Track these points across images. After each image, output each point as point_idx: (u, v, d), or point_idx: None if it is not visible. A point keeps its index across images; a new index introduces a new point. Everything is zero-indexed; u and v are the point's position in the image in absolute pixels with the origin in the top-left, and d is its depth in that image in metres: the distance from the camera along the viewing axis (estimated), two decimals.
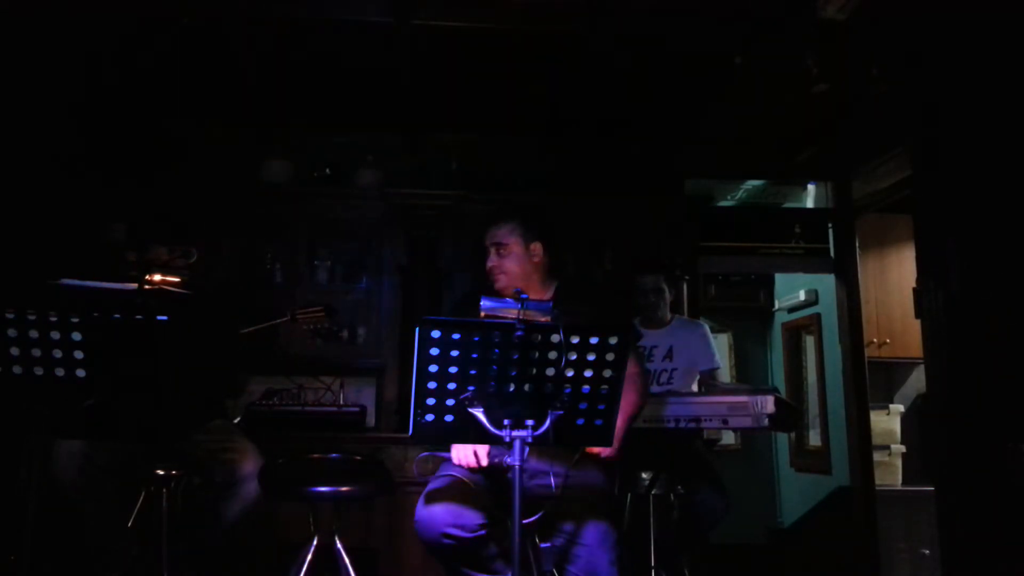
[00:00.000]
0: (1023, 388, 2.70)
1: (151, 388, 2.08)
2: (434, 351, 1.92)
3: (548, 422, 1.98)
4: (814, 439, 5.84)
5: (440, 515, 2.31)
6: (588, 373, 2.00)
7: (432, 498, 2.37)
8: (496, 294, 2.63)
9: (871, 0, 3.35)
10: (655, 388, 3.63)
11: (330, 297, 4.25)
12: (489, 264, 2.67)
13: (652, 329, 3.84)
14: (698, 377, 3.87)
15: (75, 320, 1.94)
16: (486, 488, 2.43)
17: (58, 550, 2.82)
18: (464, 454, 2.45)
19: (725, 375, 6.00)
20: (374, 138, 4.86)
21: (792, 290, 6.01)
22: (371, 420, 4.57)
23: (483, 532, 2.31)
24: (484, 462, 2.42)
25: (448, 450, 2.53)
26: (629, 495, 3.16)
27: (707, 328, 4.00)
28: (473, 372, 1.96)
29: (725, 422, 3.00)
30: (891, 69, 3.52)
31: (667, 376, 3.81)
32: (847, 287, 5.05)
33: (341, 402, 4.44)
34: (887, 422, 5.11)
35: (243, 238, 4.62)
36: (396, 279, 4.62)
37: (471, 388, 1.97)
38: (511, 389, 1.98)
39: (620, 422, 2.39)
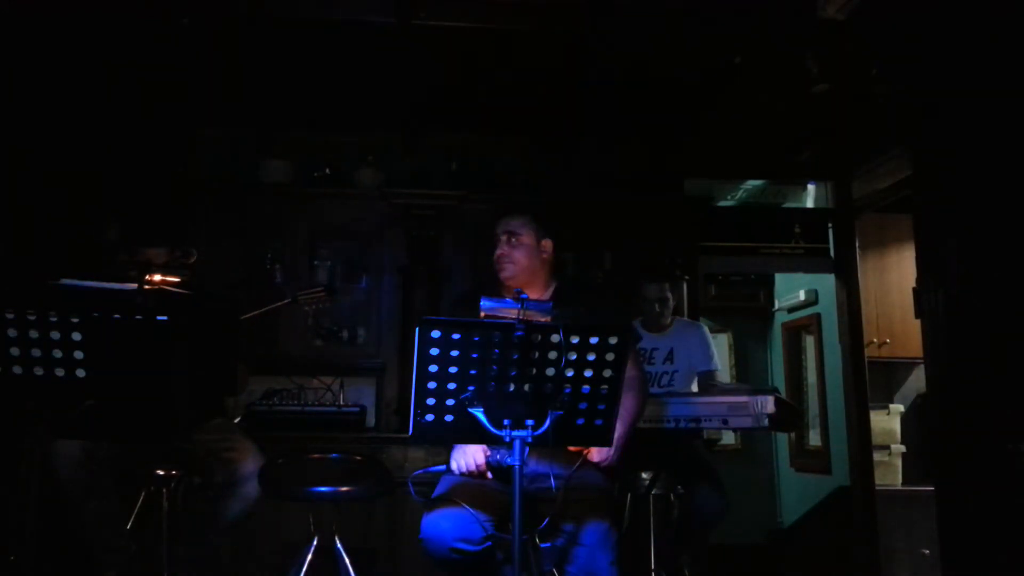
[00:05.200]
0: (1023, 388, 2.70)
1: (151, 388, 2.08)
2: (434, 351, 1.92)
3: (548, 422, 1.98)
4: (814, 439, 5.84)
5: (447, 530, 2.29)
6: (588, 373, 1.99)
7: (436, 513, 2.35)
8: (497, 290, 2.63)
9: (871, 0, 3.35)
10: (655, 390, 3.63)
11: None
12: (499, 252, 2.64)
13: (653, 332, 3.83)
14: (696, 379, 3.86)
15: (75, 320, 1.93)
16: (489, 491, 2.41)
17: (58, 550, 2.83)
18: (464, 463, 2.44)
19: (725, 376, 6.00)
20: (374, 138, 4.87)
21: (792, 290, 6.01)
22: (371, 420, 4.57)
23: (489, 544, 2.31)
24: (485, 470, 2.42)
25: (443, 463, 2.52)
26: (629, 495, 3.16)
27: (706, 330, 3.99)
28: (473, 372, 1.95)
29: (725, 422, 3.00)
30: (891, 69, 3.52)
31: (668, 378, 3.80)
32: (847, 287, 5.05)
33: (341, 402, 4.45)
34: (887, 422, 5.11)
35: (243, 238, 4.62)
36: (396, 279, 4.62)
37: (471, 388, 1.96)
38: (511, 389, 1.98)
39: (621, 429, 2.38)
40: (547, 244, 2.68)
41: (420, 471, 2.52)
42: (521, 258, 2.63)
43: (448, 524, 2.30)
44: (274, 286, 4.53)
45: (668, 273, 4.05)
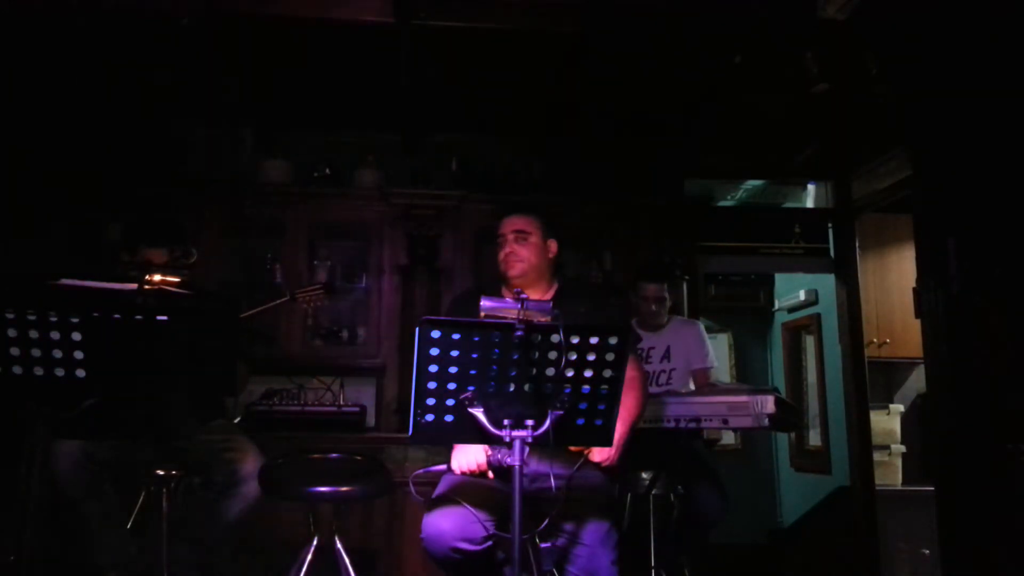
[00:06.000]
0: (1023, 388, 2.70)
1: (151, 388, 2.08)
2: (434, 351, 1.92)
3: (548, 422, 1.98)
4: (814, 439, 5.85)
5: (448, 530, 2.29)
6: (588, 373, 2.00)
7: (437, 513, 2.34)
8: (497, 290, 2.63)
9: (871, 0, 3.35)
10: (654, 389, 3.63)
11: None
12: (506, 251, 2.63)
13: (649, 331, 3.83)
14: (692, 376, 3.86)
15: (75, 320, 1.93)
16: (490, 490, 2.41)
17: (58, 550, 2.83)
18: (465, 462, 2.44)
19: (724, 375, 6.01)
20: (374, 138, 4.86)
21: (792, 290, 6.01)
22: (371, 420, 4.57)
23: (490, 543, 2.31)
24: (486, 468, 2.41)
25: (444, 462, 2.52)
26: (629, 495, 3.16)
27: (702, 327, 3.99)
28: (473, 372, 1.95)
29: (725, 422, 2.99)
30: (891, 69, 3.52)
31: (665, 377, 3.80)
32: (847, 287, 5.05)
33: (341, 402, 4.44)
34: (887, 422, 5.11)
35: (243, 238, 4.62)
36: (396, 279, 4.62)
37: (471, 388, 1.96)
38: (511, 389, 1.98)
39: (621, 429, 2.39)
40: (552, 244, 2.70)
41: (421, 471, 2.52)
42: (530, 256, 2.63)
43: (449, 524, 2.30)
44: (274, 286, 4.52)
45: (667, 273, 4.05)
